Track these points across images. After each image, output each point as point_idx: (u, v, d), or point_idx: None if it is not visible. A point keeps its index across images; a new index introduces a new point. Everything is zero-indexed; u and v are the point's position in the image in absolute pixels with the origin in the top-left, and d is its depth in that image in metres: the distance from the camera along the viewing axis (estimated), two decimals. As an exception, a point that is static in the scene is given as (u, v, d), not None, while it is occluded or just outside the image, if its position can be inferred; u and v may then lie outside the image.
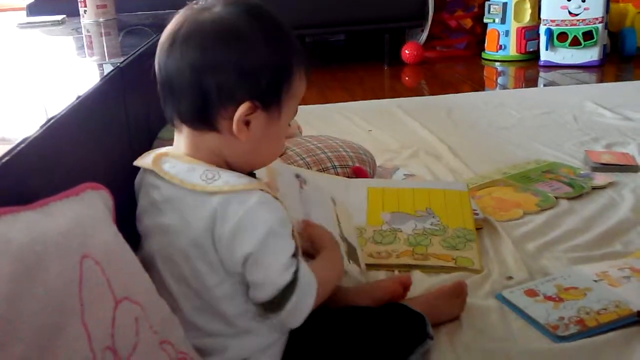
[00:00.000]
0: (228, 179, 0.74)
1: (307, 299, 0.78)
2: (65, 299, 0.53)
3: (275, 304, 0.76)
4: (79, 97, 0.84)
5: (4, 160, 0.60)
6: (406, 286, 1.06)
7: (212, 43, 0.73)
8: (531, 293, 1.08)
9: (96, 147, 0.91)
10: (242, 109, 0.74)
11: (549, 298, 1.06)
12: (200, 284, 0.77)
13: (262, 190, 0.75)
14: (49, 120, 0.72)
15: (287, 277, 0.76)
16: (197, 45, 0.73)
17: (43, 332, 0.50)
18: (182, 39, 0.74)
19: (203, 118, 0.75)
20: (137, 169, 0.85)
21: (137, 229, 0.82)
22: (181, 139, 0.79)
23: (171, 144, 0.86)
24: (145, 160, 0.81)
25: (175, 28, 0.75)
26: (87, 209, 0.62)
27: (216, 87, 0.73)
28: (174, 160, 0.77)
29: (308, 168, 1.45)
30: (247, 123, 0.75)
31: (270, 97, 0.76)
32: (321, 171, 1.46)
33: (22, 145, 0.64)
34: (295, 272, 0.77)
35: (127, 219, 0.82)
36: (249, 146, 0.77)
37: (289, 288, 0.76)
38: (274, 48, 0.75)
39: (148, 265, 0.77)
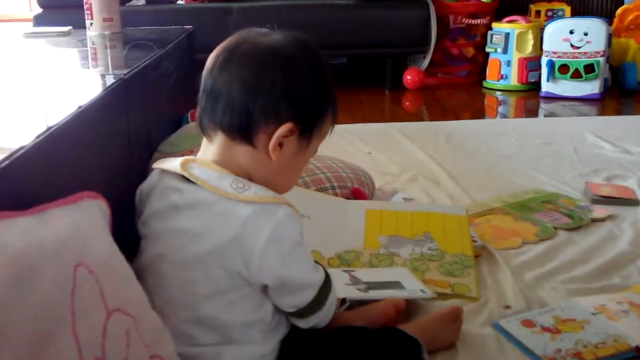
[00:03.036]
0: (257, 191, 0.78)
1: (334, 293, 0.86)
2: (57, 306, 0.52)
3: (316, 304, 0.82)
4: (80, 107, 0.83)
5: (2, 165, 0.59)
6: (399, 309, 1.06)
7: (268, 65, 0.78)
8: (528, 323, 1.07)
9: (96, 157, 0.91)
10: (284, 128, 0.78)
11: (546, 329, 1.05)
12: (211, 289, 0.77)
13: (287, 204, 0.79)
14: (49, 127, 0.72)
15: (321, 274, 0.84)
16: (252, 64, 0.78)
17: (34, 339, 0.49)
18: (239, 56, 0.79)
19: (244, 130, 0.78)
20: (137, 181, 0.85)
21: (138, 232, 0.83)
22: (210, 147, 0.81)
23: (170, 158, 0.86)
24: (166, 165, 0.83)
25: (232, 45, 0.81)
26: (84, 217, 0.61)
27: (264, 105, 0.77)
28: (202, 167, 0.79)
29: (307, 187, 1.45)
30: (280, 145, 0.79)
31: (307, 125, 0.81)
32: (319, 191, 1.45)
33: (22, 151, 0.63)
34: (324, 268, 0.85)
35: (122, 230, 0.81)
36: (275, 168, 0.81)
37: (326, 284, 0.83)
38: (319, 84, 0.82)
39: (147, 269, 0.78)
